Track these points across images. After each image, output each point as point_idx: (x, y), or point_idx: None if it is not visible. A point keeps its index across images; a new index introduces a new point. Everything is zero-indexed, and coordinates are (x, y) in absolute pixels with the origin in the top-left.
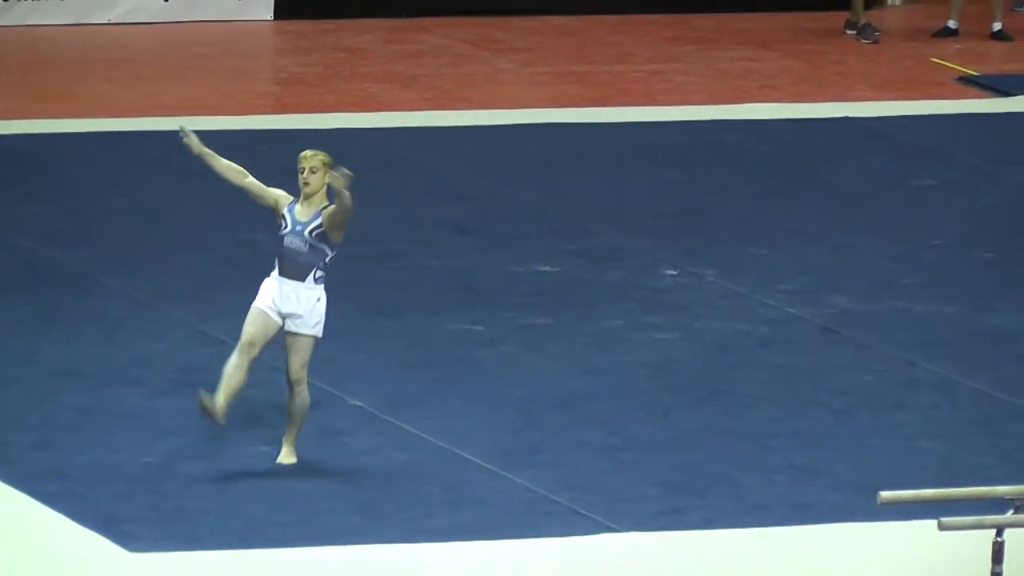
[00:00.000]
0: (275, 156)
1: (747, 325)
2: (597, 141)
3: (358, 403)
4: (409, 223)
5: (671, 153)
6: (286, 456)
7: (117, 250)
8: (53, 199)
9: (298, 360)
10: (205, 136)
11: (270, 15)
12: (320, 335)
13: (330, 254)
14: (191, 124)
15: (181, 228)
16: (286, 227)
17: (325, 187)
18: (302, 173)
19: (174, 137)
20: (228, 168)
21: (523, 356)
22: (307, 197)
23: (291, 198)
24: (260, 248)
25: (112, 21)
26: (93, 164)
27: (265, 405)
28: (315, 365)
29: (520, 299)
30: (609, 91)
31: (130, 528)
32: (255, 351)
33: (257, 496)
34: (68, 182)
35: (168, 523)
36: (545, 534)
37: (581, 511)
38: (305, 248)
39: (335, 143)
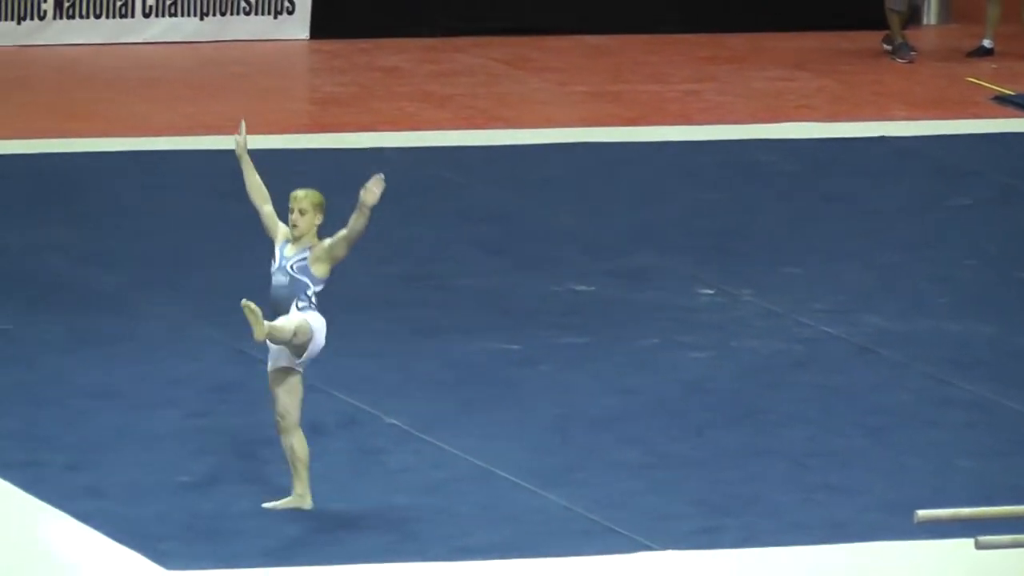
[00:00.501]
0: (311, 176)
1: (783, 344)
2: (632, 161)
3: (394, 422)
4: (443, 243)
5: (707, 173)
6: (297, 500)
7: (152, 270)
8: (87, 219)
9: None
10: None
11: (305, 35)
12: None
13: (312, 287)
14: (226, 144)
15: (217, 248)
16: (274, 264)
17: (315, 228)
18: (292, 214)
19: (210, 157)
20: (256, 187)
21: (559, 375)
22: (296, 239)
23: (289, 236)
24: None
25: (147, 40)
26: (128, 184)
27: (304, 420)
28: (351, 384)
29: (555, 319)
30: (644, 111)
31: (167, 546)
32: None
33: (293, 515)
34: (103, 202)
35: (205, 542)
36: (581, 552)
37: (617, 529)
38: (287, 281)
39: (370, 162)
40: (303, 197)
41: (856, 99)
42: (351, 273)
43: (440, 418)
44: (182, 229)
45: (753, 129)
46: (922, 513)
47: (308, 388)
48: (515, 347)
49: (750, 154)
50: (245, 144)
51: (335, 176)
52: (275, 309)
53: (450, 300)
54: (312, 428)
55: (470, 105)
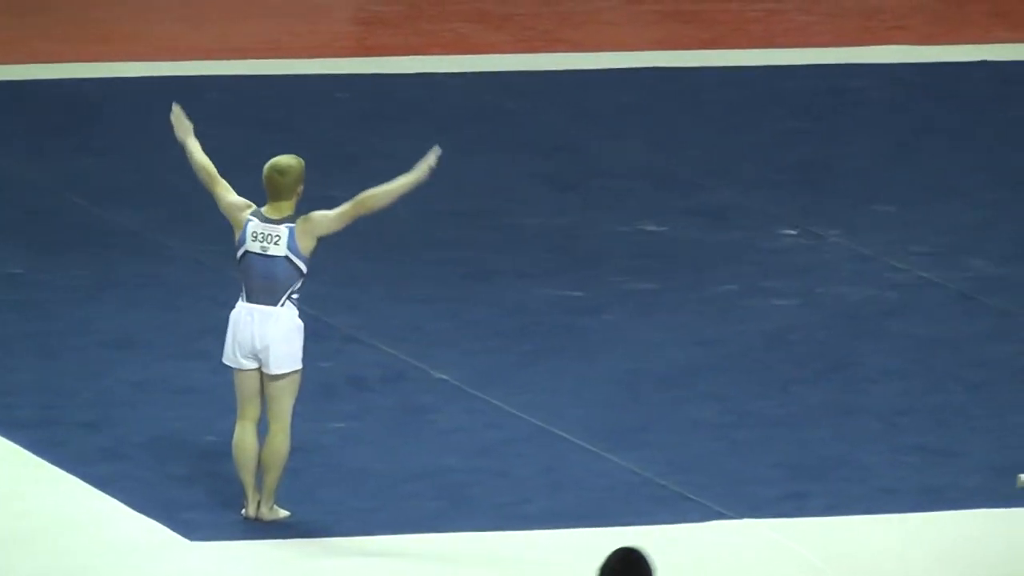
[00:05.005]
0: (354, 103)
1: (875, 290)
2: (709, 87)
3: (444, 376)
4: (500, 178)
5: (791, 100)
6: (266, 512)
7: (180, 208)
8: (110, 151)
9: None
10: (278, 80)
11: None
12: (300, 366)
13: (304, 271)
14: (262, 68)
15: (252, 184)
16: (246, 245)
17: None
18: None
19: (242, 83)
20: (203, 166)
21: (627, 325)
22: (272, 214)
23: (253, 206)
24: None
25: None
26: (155, 112)
27: (340, 377)
28: (396, 334)
29: (624, 262)
30: (723, 32)
31: (191, 515)
32: (254, 414)
33: (332, 479)
34: (127, 132)
35: (233, 509)
36: (651, 521)
37: (691, 496)
38: (276, 265)
39: (420, 89)
40: (287, 168)
41: (956, 19)
42: (397, 210)
43: (495, 372)
44: (214, 163)
45: (842, 52)
46: None
47: (345, 339)
48: (579, 293)
49: (839, 80)
50: (186, 129)
51: (380, 104)
52: (259, 298)
53: (507, 241)
54: (354, 383)
55: (531, 26)
